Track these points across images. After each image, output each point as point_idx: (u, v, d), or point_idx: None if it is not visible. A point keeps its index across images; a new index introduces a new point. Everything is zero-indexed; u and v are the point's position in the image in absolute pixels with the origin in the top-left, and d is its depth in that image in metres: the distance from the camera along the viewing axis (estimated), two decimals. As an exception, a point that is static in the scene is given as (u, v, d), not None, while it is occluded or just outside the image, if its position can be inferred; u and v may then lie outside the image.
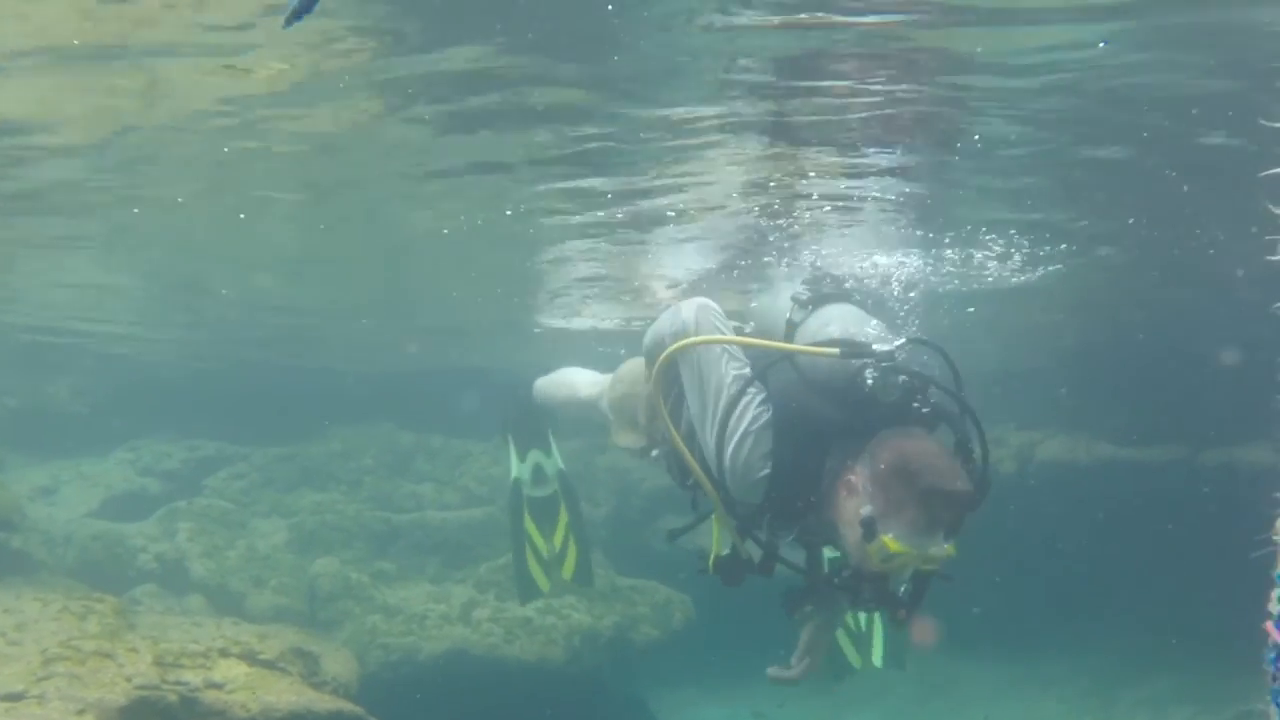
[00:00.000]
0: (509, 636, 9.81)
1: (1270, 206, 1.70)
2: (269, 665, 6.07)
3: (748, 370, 4.19)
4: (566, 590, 7.23)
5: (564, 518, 6.72)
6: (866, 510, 3.77)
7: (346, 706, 5.64)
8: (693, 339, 4.29)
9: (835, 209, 6.85)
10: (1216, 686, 9.43)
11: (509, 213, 7.03)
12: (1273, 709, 1.82)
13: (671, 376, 4.41)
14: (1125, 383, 9.41)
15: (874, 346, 3.97)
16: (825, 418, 3.98)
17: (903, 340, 4.05)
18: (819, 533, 4.16)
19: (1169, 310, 9.04)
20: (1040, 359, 9.71)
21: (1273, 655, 1.78)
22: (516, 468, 6.62)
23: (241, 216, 7.39)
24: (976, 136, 5.65)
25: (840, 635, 6.51)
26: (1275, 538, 1.75)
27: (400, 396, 12.81)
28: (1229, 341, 8.67)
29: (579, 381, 6.23)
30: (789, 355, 4.11)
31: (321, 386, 12.86)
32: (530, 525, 6.68)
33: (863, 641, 6.49)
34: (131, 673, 5.33)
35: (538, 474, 6.59)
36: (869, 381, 3.88)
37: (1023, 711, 10.54)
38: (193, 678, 5.52)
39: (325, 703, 5.58)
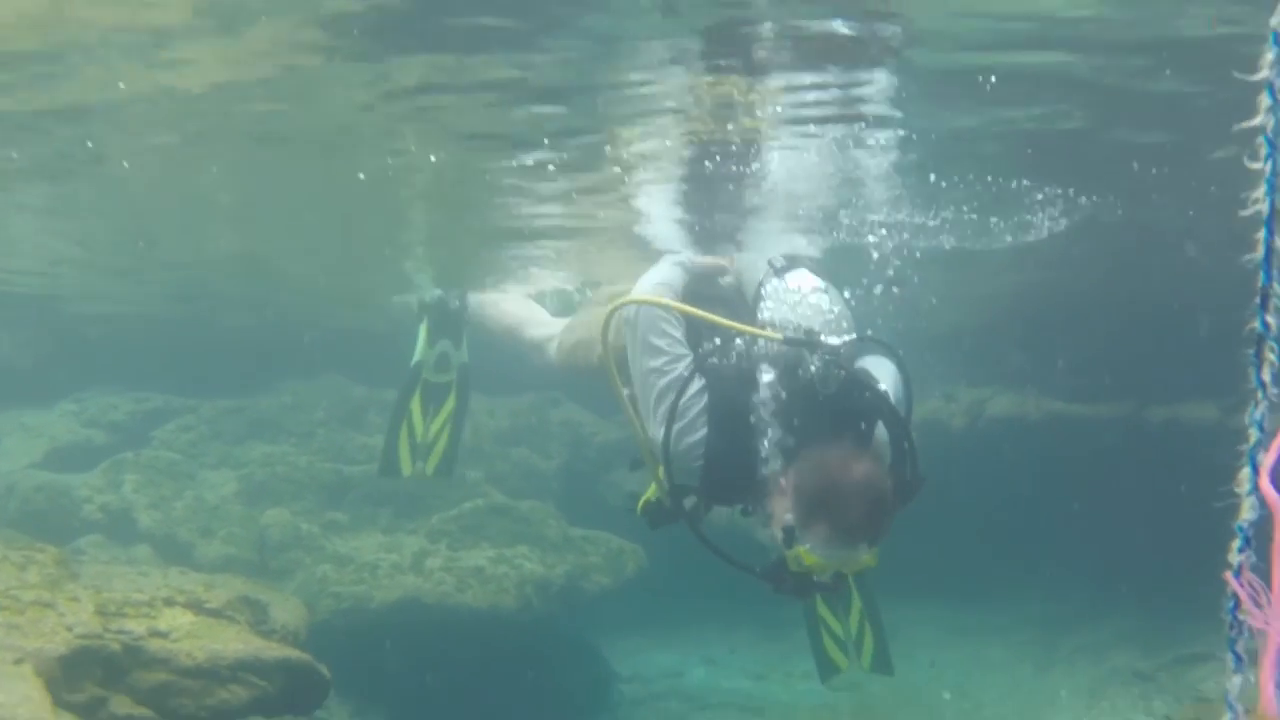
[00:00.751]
0: (461, 585, 9.82)
1: (1247, 161, 1.69)
2: (215, 614, 6.01)
3: (683, 352, 4.25)
4: (424, 480, 7.20)
5: (449, 407, 6.71)
6: (788, 519, 3.88)
7: (294, 654, 5.60)
8: (631, 297, 4.36)
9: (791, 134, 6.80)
10: (1156, 633, 9.66)
11: (442, 156, 6.86)
12: (1229, 657, 1.85)
13: (618, 334, 4.45)
14: (1075, 342, 9.50)
15: (821, 337, 4.00)
16: (762, 401, 4.01)
17: (852, 336, 4.10)
18: (757, 512, 4.19)
19: (1120, 271, 9.11)
20: (993, 319, 9.76)
21: (1232, 605, 1.80)
22: (422, 351, 6.64)
23: (180, 164, 7.21)
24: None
25: (827, 638, 6.63)
26: (1237, 490, 1.78)
27: (352, 351, 12.70)
28: (1177, 302, 8.77)
29: (526, 317, 6.20)
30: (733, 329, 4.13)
31: (273, 340, 12.71)
32: (415, 406, 6.73)
33: (851, 646, 6.62)
34: (72, 622, 5.25)
35: (441, 361, 6.64)
36: (810, 370, 3.94)
37: (968, 657, 10.71)
38: (136, 626, 5.45)
39: (273, 651, 5.54)
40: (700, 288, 4.94)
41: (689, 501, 4.30)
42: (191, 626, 5.67)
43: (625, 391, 4.39)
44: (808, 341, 3.98)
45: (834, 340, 3.99)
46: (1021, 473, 9.66)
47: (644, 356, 4.29)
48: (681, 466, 4.17)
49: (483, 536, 10.76)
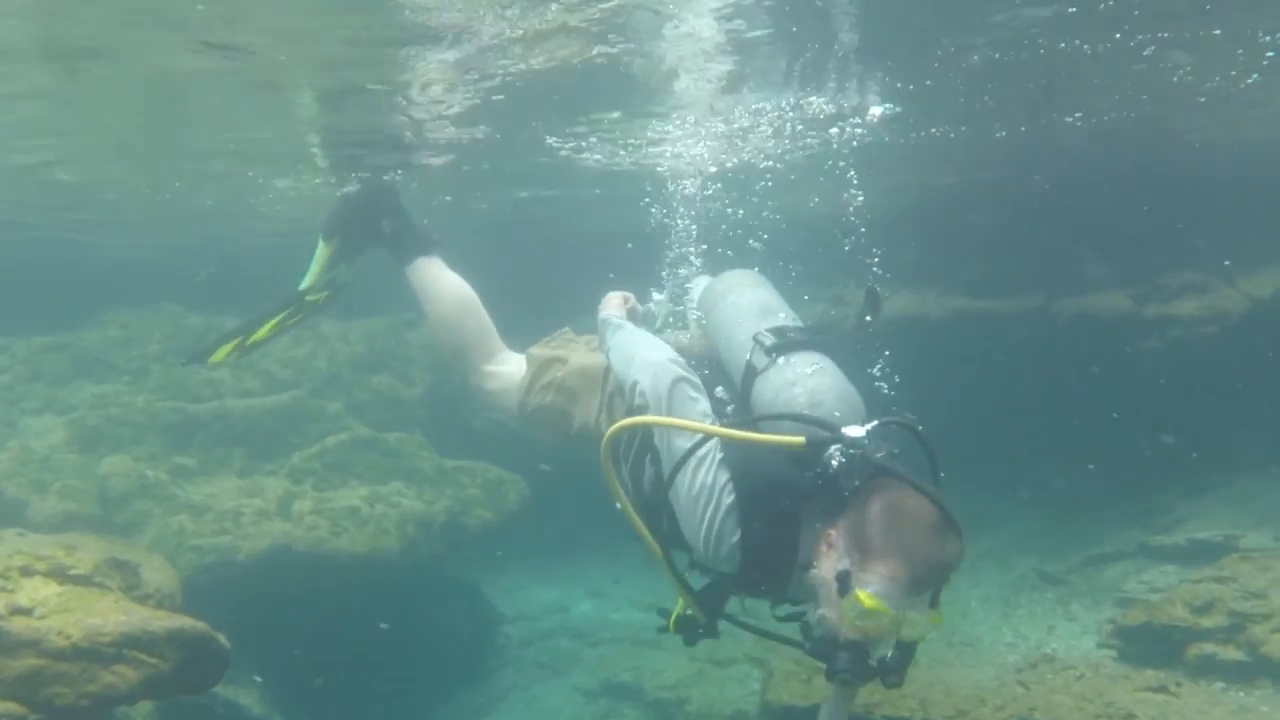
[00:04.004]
0: (336, 529, 8.96)
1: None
2: (85, 581, 5.08)
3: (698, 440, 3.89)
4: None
5: (282, 320, 5.83)
6: (843, 564, 3.53)
7: (187, 623, 4.75)
8: (642, 419, 3.97)
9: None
10: (1059, 535, 9.56)
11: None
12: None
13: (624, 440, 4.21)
14: (978, 237, 9.20)
15: (843, 431, 3.67)
16: (792, 486, 3.73)
17: (875, 423, 3.75)
18: (802, 599, 3.80)
19: (1021, 165, 8.83)
20: (889, 215, 9.35)
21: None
22: (315, 279, 5.70)
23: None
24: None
25: None
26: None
27: (186, 276, 11.51)
28: (1079, 193, 8.56)
29: (475, 332, 5.42)
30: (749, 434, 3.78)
31: (94, 266, 11.39)
32: (272, 323, 5.80)
33: None
34: (-93, 606, 4.30)
35: (327, 283, 5.74)
36: (834, 465, 3.64)
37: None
38: (-10, 604, 4.53)
39: (161, 621, 4.67)
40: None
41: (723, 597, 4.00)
42: (59, 599, 4.76)
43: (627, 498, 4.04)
44: (831, 439, 3.67)
45: (856, 432, 3.66)
46: (922, 374, 9.33)
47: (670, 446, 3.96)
48: (718, 555, 3.80)
49: (351, 474, 9.90)
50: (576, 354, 4.95)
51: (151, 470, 9.40)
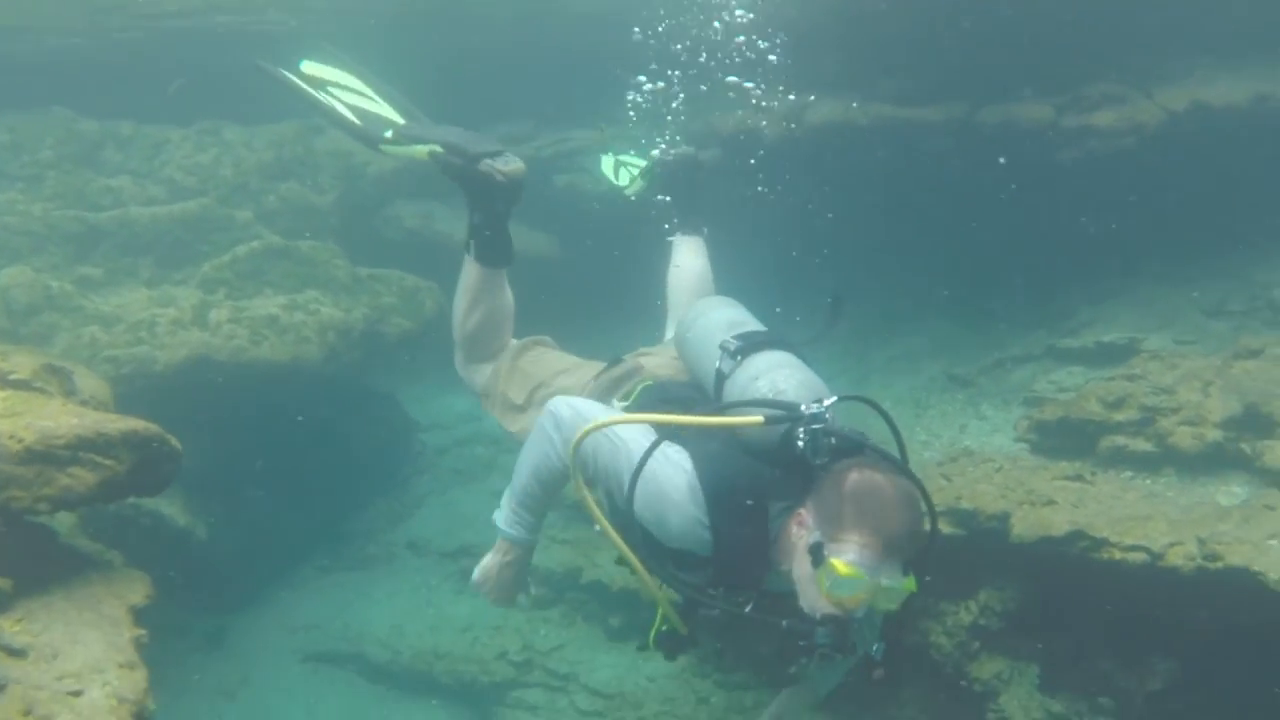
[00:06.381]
0: (255, 338, 8.82)
1: None
2: (26, 386, 4.95)
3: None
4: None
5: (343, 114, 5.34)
6: (815, 537, 3.60)
7: (140, 425, 4.66)
8: (600, 421, 3.97)
9: None
10: (967, 341, 9.85)
11: None
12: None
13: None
14: (900, 43, 9.12)
15: (802, 408, 3.75)
16: (759, 475, 3.81)
17: (834, 398, 3.83)
18: (784, 591, 3.81)
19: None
20: (808, 18, 9.19)
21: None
22: (395, 147, 5.13)
23: None
24: None
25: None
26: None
27: (74, 76, 10.87)
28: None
29: (479, 351, 5.45)
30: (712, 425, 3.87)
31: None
32: (345, 108, 5.31)
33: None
34: None
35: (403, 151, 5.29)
36: (799, 445, 3.70)
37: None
38: (-69, 411, 4.39)
39: (115, 423, 4.57)
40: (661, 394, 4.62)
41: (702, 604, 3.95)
42: (5, 403, 4.63)
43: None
44: (790, 416, 3.74)
45: (815, 408, 3.74)
46: (848, 180, 9.39)
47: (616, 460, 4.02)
48: (690, 559, 3.87)
49: (265, 282, 9.69)
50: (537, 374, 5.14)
51: (55, 280, 9.08)
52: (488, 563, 4.52)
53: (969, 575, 6.21)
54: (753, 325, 4.47)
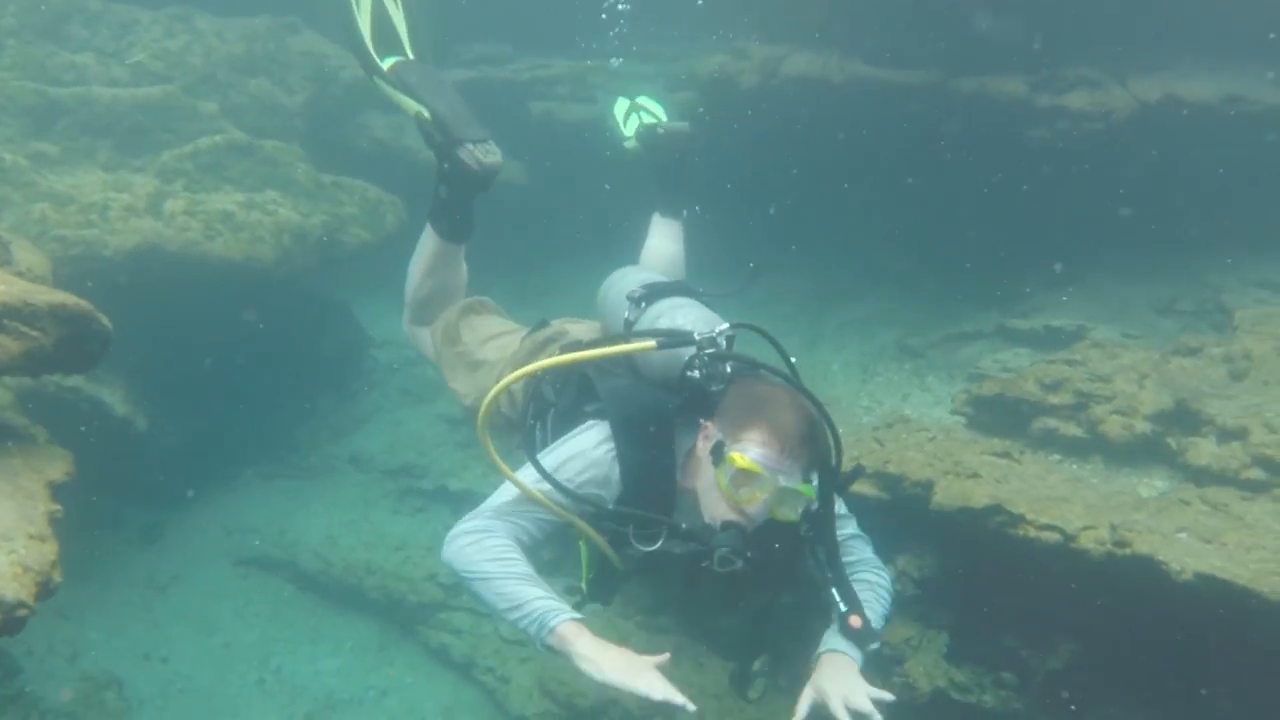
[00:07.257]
0: (209, 232, 8.70)
1: None
2: (-43, 253, 4.88)
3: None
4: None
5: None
6: (716, 438, 3.76)
7: (69, 299, 4.60)
8: (506, 380, 4.04)
9: None
10: (922, 313, 9.89)
11: None
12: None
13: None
14: (886, 3, 9.06)
15: (695, 335, 3.90)
16: (662, 403, 3.93)
17: (725, 325, 3.96)
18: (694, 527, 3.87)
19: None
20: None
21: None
22: (387, 86, 5.23)
23: None
24: None
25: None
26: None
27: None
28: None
29: (425, 312, 5.54)
30: (608, 358, 3.98)
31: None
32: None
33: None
34: None
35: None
36: (696, 375, 3.85)
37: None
38: None
39: (43, 295, 4.51)
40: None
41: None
42: (-68, 268, 4.55)
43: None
44: (683, 340, 3.89)
45: (708, 334, 3.90)
46: (816, 139, 9.36)
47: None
48: (603, 492, 3.94)
49: (225, 178, 9.54)
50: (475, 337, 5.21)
51: (10, 154, 8.89)
52: (586, 668, 3.70)
53: (890, 542, 6.27)
54: (666, 278, 4.63)
